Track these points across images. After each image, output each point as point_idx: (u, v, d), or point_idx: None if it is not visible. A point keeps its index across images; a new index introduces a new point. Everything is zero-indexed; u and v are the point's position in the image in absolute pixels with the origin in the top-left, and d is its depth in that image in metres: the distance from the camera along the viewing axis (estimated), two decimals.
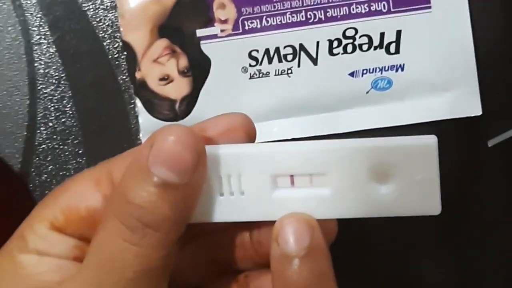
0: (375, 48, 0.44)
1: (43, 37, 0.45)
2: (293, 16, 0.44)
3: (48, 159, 0.45)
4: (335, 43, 0.44)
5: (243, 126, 0.30)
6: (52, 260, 0.30)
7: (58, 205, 0.30)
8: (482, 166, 0.45)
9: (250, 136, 0.31)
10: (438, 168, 0.28)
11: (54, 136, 0.45)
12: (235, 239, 0.33)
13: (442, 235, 0.46)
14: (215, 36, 0.44)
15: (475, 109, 0.44)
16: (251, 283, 0.32)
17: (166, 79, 0.44)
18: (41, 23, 0.45)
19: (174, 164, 0.26)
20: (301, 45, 0.44)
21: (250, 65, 0.44)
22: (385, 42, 0.44)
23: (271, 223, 0.30)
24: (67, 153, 0.45)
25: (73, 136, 0.45)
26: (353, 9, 0.44)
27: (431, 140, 0.28)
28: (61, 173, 0.45)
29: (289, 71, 0.44)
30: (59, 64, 0.45)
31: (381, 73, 0.44)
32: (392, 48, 0.44)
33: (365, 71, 0.44)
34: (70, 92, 0.45)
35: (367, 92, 0.44)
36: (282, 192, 0.29)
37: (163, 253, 0.27)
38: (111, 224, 0.27)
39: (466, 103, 0.44)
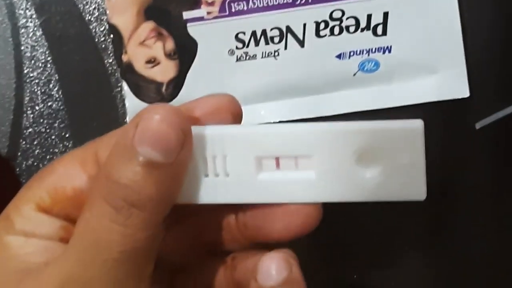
0: (362, 30, 0.43)
1: (29, 20, 0.45)
2: None
3: (35, 143, 0.45)
4: (322, 25, 0.43)
5: (230, 107, 0.30)
6: (39, 241, 0.30)
7: (44, 186, 0.30)
8: (470, 149, 0.44)
9: (236, 118, 0.30)
10: (424, 152, 0.28)
11: (41, 120, 0.45)
12: (221, 221, 0.32)
13: (428, 218, 0.45)
14: (201, 19, 0.44)
15: (462, 91, 0.44)
16: (238, 265, 0.32)
17: (152, 62, 0.44)
18: (28, 6, 0.45)
19: (160, 143, 0.26)
20: (288, 27, 0.44)
21: (237, 48, 0.44)
22: (372, 24, 0.43)
23: (257, 205, 0.30)
24: (53, 137, 0.45)
25: (59, 120, 0.45)
26: None
27: (417, 124, 0.28)
28: (48, 157, 0.45)
29: (276, 54, 0.44)
30: (45, 47, 0.45)
31: (368, 55, 0.44)
32: (379, 30, 0.43)
33: (352, 53, 0.44)
34: (56, 75, 0.45)
35: (354, 74, 0.44)
36: (267, 175, 0.29)
37: (148, 233, 0.27)
38: (96, 204, 0.27)
39: (454, 85, 0.44)
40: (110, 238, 0.26)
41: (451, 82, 0.44)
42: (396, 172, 0.28)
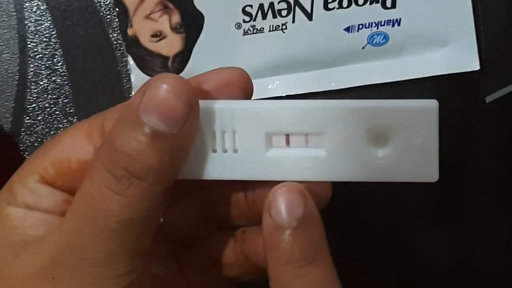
0: (371, 2, 0.43)
1: None
2: None
3: (39, 118, 0.45)
4: None
5: (240, 81, 0.30)
6: (40, 214, 0.29)
7: (49, 158, 0.30)
8: (480, 122, 0.44)
9: (247, 92, 0.30)
10: (438, 133, 0.27)
11: (45, 95, 0.45)
12: (230, 197, 0.32)
13: (439, 193, 0.45)
14: None
15: (472, 64, 0.43)
16: (248, 239, 0.32)
17: (158, 35, 0.44)
18: None
19: (165, 113, 0.26)
20: (295, 0, 0.43)
21: (244, 21, 0.43)
22: None
23: (266, 183, 0.29)
24: (58, 112, 0.45)
25: (64, 95, 0.45)
26: None
27: (432, 104, 0.27)
28: (52, 133, 0.45)
29: (284, 27, 0.43)
30: (49, 22, 0.44)
31: (377, 28, 0.43)
32: (389, 2, 0.43)
33: (361, 26, 0.43)
34: (61, 50, 0.45)
35: (363, 48, 0.43)
36: (277, 152, 0.28)
37: (147, 204, 0.26)
38: (96, 172, 0.26)
39: (464, 58, 0.43)
40: (108, 207, 0.26)
41: (461, 55, 0.43)
42: (409, 152, 0.27)
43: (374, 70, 0.44)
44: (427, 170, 0.28)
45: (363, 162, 0.28)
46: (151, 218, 0.27)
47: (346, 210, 0.41)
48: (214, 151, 0.28)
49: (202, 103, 0.27)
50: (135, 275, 0.27)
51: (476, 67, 0.43)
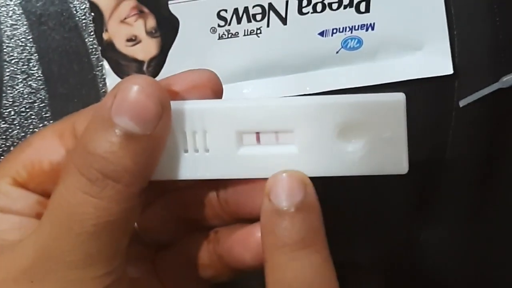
0: (345, 7, 0.43)
1: None
2: None
3: (15, 122, 0.44)
4: (305, 2, 0.43)
5: (210, 82, 0.30)
6: (14, 217, 0.29)
7: (21, 160, 0.30)
8: (453, 127, 0.44)
9: (216, 93, 0.30)
10: (406, 126, 0.27)
11: (21, 99, 0.44)
12: (202, 197, 0.32)
13: (411, 197, 0.45)
14: None
15: (446, 68, 0.43)
16: (221, 239, 0.32)
17: (133, 40, 0.44)
18: None
19: (138, 114, 0.26)
20: (270, 4, 0.43)
21: (219, 25, 0.43)
22: (355, 1, 0.43)
23: (237, 181, 0.30)
24: (33, 117, 0.45)
25: (40, 100, 0.45)
26: None
27: (399, 97, 0.27)
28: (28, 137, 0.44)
29: (258, 31, 0.44)
30: (25, 27, 0.44)
31: (351, 33, 0.43)
32: (362, 7, 0.43)
33: (335, 31, 0.43)
34: (36, 54, 0.44)
35: (337, 52, 0.44)
36: (248, 150, 0.29)
37: (123, 206, 0.26)
38: (71, 176, 0.26)
39: (437, 62, 0.43)
40: (84, 211, 0.26)
41: (434, 59, 0.43)
42: (378, 145, 0.28)
43: (348, 74, 0.44)
44: (396, 162, 0.28)
45: (334, 157, 0.28)
46: (127, 220, 0.27)
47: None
48: (186, 151, 0.29)
49: (172, 103, 0.27)
50: (114, 277, 0.27)
51: (450, 71, 0.43)
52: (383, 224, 0.45)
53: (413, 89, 0.43)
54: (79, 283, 0.26)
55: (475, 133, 0.44)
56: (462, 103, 0.43)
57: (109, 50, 0.44)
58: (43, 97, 0.45)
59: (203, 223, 0.33)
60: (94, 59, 0.45)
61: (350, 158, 0.28)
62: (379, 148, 0.28)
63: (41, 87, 0.45)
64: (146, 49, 0.44)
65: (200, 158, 0.29)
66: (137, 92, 0.26)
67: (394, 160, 0.28)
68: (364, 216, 0.45)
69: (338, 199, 0.44)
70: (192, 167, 0.29)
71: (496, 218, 0.45)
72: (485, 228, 0.45)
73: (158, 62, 0.44)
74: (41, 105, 0.45)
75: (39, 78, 0.45)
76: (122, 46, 0.44)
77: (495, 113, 0.44)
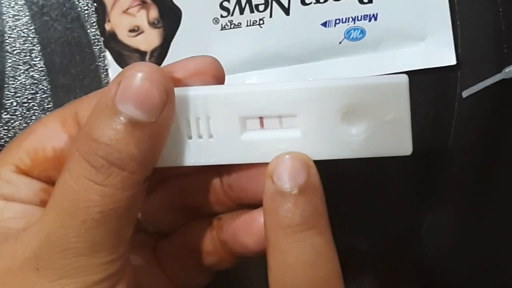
0: None
1: None
2: None
3: (17, 113, 0.44)
4: None
5: (212, 69, 0.30)
6: (18, 205, 0.29)
7: (24, 147, 0.30)
8: (456, 117, 0.44)
9: (218, 80, 0.30)
10: (409, 107, 0.27)
11: (23, 90, 0.44)
12: (205, 183, 0.32)
13: (414, 188, 0.45)
14: None
15: (449, 58, 0.43)
16: (224, 225, 0.32)
17: (136, 30, 0.44)
18: None
19: (142, 101, 0.26)
20: None
21: (222, 16, 0.43)
22: None
23: (241, 166, 0.30)
24: (36, 107, 0.44)
25: (42, 90, 0.44)
26: None
27: (402, 79, 0.27)
28: None
29: (261, 22, 0.43)
30: (27, 17, 0.44)
31: (354, 23, 0.43)
32: None
33: (337, 21, 0.43)
34: (39, 45, 0.44)
35: (340, 43, 0.43)
36: (252, 134, 0.29)
37: (128, 193, 0.26)
38: (75, 163, 0.26)
39: (440, 52, 0.43)
40: (89, 198, 0.26)
41: (437, 50, 0.43)
42: (382, 128, 0.28)
43: (351, 65, 0.43)
44: (401, 144, 0.28)
45: (338, 140, 0.28)
46: (132, 207, 0.27)
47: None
48: (190, 137, 0.29)
49: (175, 90, 0.27)
50: (119, 264, 0.27)
51: (453, 61, 0.43)
52: (386, 213, 0.45)
53: (416, 79, 0.43)
54: (84, 270, 0.26)
55: (478, 124, 0.44)
56: (465, 93, 0.43)
57: (111, 40, 0.44)
58: (45, 88, 0.45)
59: (206, 210, 0.33)
60: (97, 49, 0.45)
61: (354, 141, 0.28)
62: (383, 130, 0.28)
63: (43, 77, 0.45)
64: (149, 40, 0.44)
65: (204, 144, 0.29)
66: (142, 79, 0.26)
67: (398, 141, 0.28)
68: (367, 205, 0.45)
69: (340, 188, 0.43)
70: (196, 153, 0.29)
71: (499, 208, 0.44)
72: (488, 217, 0.45)
73: (160, 52, 0.44)
74: (43, 96, 0.44)
75: (41, 68, 0.45)
76: (124, 36, 0.44)
77: (498, 103, 0.44)
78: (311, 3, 0.43)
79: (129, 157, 0.26)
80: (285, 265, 0.27)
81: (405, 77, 0.27)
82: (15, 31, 0.44)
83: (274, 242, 0.28)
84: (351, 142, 0.28)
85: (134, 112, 0.26)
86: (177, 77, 0.29)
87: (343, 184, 0.43)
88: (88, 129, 0.26)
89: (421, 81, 0.43)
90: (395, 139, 0.28)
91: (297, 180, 0.27)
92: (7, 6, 0.44)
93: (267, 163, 0.28)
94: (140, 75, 0.26)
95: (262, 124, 0.29)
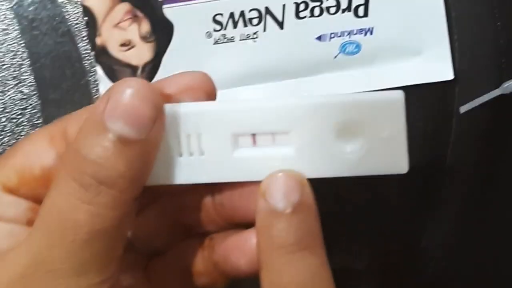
0: (343, 11, 0.42)
1: (0, 2, 0.44)
2: None
3: (6, 129, 0.44)
4: (302, 6, 0.42)
5: (203, 84, 0.29)
6: (4, 225, 0.28)
7: (11, 165, 0.29)
8: (454, 133, 0.43)
9: (210, 96, 0.30)
10: (405, 124, 0.27)
11: (12, 106, 0.44)
12: (197, 202, 0.32)
13: (411, 203, 0.44)
14: (178, 0, 0.43)
15: (446, 73, 0.43)
16: (216, 245, 0.31)
17: (127, 44, 0.43)
18: None
19: (132, 118, 0.25)
20: (266, 9, 0.43)
21: (215, 30, 0.43)
22: (353, 5, 0.42)
23: (233, 185, 0.29)
24: (25, 123, 0.44)
25: (31, 106, 0.44)
26: None
27: (398, 95, 0.27)
28: None
29: (255, 36, 0.43)
30: (17, 31, 0.44)
31: (350, 37, 0.43)
32: (361, 11, 0.42)
33: (333, 35, 0.43)
34: (28, 60, 0.44)
35: (335, 57, 0.43)
36: (244, 152, 0.28)
37: (118, 212, 0.26)
38: (63, 182, 0.26)
39: (437, 67, 0.43)
40: (77, 218, 0.25)
41: (434, 65, 0.43)
42: (377, 145, 0.27)
43: (346, 80, 0.43)
44: (396, 162, 0.27)
45: (332, 158, 0.27)
46: (122, 226, 0.27)
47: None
48: (180, 155, 0.28)
49: (166, 106, 0.27)
50: (108, 285, 0.27)
51: (450, 76, 0.43)
52: (383, 230, 0.44)
53: (413, 95, 0.42)
54: None
55: (476, 140, 0.43)
56: (462, 109, 0.43)
57: (102, 55, 0.43)
58: (35, 103, 0.44)
59: (198, 229, 0.32)
60: (87, 64, 0.44)
61: (348, 159, 0.27)
62: (378, 147, 0.27)
63: (33, 93, 0.44)
64: (140, 54, 0.43)
65: (195, 162, 0.28)
66: (131, 96, 0.25)
67: (394, 159, 0.27)
68: (364, 222, 0.44)
69: (336, 203, 0.43)
70: (187, 171, 0.28)
71: (497, 223, 0.44)
72: (486, 233, 0.44)
73: (152, 67, 0.43)
74: (32, 111, 0.44)
75: (30, 83, 0.44)
76: (115, 51, 0.43)
77: (496, 119, 0.43)
78: (305, 16, 0.42)
79: (118, 176, 0.25)
80: (279, 287, 0.27)
81: (400, 93, 0.27)
82: (4, 45, 0.44)
83: (267, 263, 0.27)
84: (345, 160, 0.28)
85: (124, 129, 0.25)
86: (167, 93, 0.29)
87: (338, 201, 0.43)
88: (76, 147, 0.26)
89: (418, 96, 0.43)
90: (391, 156, 0.27)
91: (291, 199, 0.27)
92: None
93: (260, 182, 0.28)
94: (129, 91, 0.25)
95: (254, 141, 0.28)
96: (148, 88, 0.26)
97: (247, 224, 0.30)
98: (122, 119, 0.25)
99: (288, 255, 0.26)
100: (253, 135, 0.28)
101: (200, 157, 0.28)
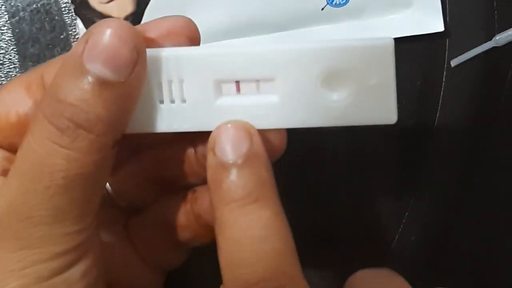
0: None
1: None
2: None
3: None
4: None
5: (186, 29, 0.29)
6: None
7: None
8: (445, 87, 0.42)
9: (193, 41, 0.29)
10: (395, 71, 0.26)
11: None
12: (179, 153, 0.31)
13: (401, 161, 0.43)
14: None
15: (437, 25, 0.41)
16: (199, 197, 0.31)
17: None
18: None
19: (111, 59, 0.25)
20: None
21: None
22: None
23: None
24: (3, 79, 0.43)
25: (9, 61, 0.43)
26: None
27: (387, 40, 0.27)
28: None
29: None
30: None
31: None
32: None
33: None
34: (6, 14, 0.43)
35: (322, 9, 0.42)
36: (227, 100, 0.28)
37: (96, 157, 0.25)
38: (39, 125, 0.25)
39: (427, 19, 0.41)
40: (53, 162, 0.25)
41: (424, 16, 0.41)
42: (365, 93, 0.27)
43: (334, 33, 0.42)
44: (385, 111, 0.27)
45: (318, 106, 0.27)
46: (99, 173, 0.26)
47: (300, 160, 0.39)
48: (161, 102, 0.28)
49: (147, 51, 0.26)
50: (85, 235, 0.26)
51: (441, 28, 0.41)
52: (369, 191, 0.44)
53: (402, 48, 0.41)
54: (47, 240, 0.25)
55: (467, 94, 0.42)
56: (453, 62, 0.42)
57: (83, 7, 0.42)
58: (13, 58, 0.43)
59: (179, 182, 0.32)
60: (67, 17, 0.43)
61: (335, 107, 0.27)
62: (366, 96, 0.27)
63: (11, 47, 0.43)
64: (122, 6, 0.42)
65: (177, 109, 0.28)
66: (110, 36, 0.25)
67: (382, 109, 0.27)
68: (351, 182, 0.43)
69: (318, 164, 0.42)
70: (168, 119, 0.28)
71: (488, 182, 0.43)
72: (477, 192, 0.43)
73: (134, 19, 0.42)
74: (11, 67, 0.43)
75: (8, 38, 0.43)
76: (96, 3, 0.42)
77: (488, 72, 0.42)
78: None
79: (97, 119, 0.25)
80: (232, 242, 0.26)
81: (390, 39, 0.27)
82: None
83: (220, 218, 0.27)
84: (332, 109, 0.27)
85: (102, 71, 0.25)
86: (149, 37, 0.28)
87: (320, 160, 0.42)
88: (53, 90, 0.25)
89: (407, 49, 0.42)
90: (379, 105, 0.27)
91: (239, 151, 0.26)
92: None
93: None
94: (109, 31, 0.25)
95: (238, 89, 0.28)
96: (128, 29, 0.25)
97: None
98: (101, 60, 0.25)
99: (238, 209, 0.26)
100: (237, 82, 0.27)
101: (182, 104, 0.28)
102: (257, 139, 0.27)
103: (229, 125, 0.27)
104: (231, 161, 0.26)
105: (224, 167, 0.26)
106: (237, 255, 0.26)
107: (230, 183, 0.26)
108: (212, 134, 0.27)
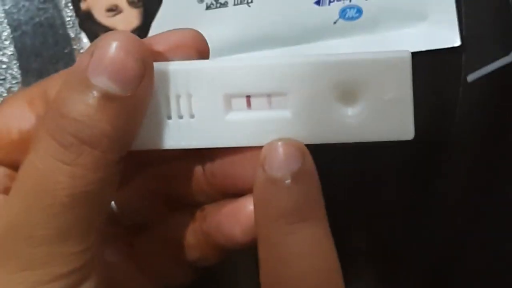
0: None
1: None
2: None
3: None
4: None
5: (195, 42, 0.28)
6: None
7: None
8: (461, 102, 0.42)
9: (202, 54, 0.28)
10: (412, 85, 0.26)
11: None
12: (186, 170, 0.30)
13: (416, 175, 0.43)
14: None
15: (452, 40, 0.41)
16: (208, 215, 0.30)
17: (114, 10, 0.42)
18: None
19: (117, 73, 0.24)
20: None
21: None
22: None
23: (225, 151, 0.28)
24: (5, 94, 0.42)
25: (11, 76, 0.42)
26: None
27: (404, 53, 0.26)
28: None
29: (249, 0, 0.41)
30: None
31: (350, 1, 0.41)
32: None
33: None
34: (8, 27, 0.42)
35: (334, 23, 0.41)
36: (237, 115, 0.27)
37: (100, 174, 0.25)
38: (42, 142, 0.25)
39: (444, 33, 0.41)
40: (56, 180, 0.24)
41: (440, 30, 0.41)
42: (381, 108, 0.26)
43: (347, 47, 0.41)
44: (401, 127, 0.26)
45: (332, 122, 0.26)
46: (104, 191, 0.25)
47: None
48: (169, 117, 0.27)
49: (154, 65, 0.26)
50: (89, 255, 0.26)
51: (457, 43, 0.41)
52: (383, 206, 0.43)
53: (418, 62, 0.40)
54: (50, 260, 0.25)
55: (484, 111, 0.42)
56: (470, 78, 0.41)
57: (87, 21, 0.42)
58: (15, 73, 0.42)
59: (187, 200, 0.31)
60: (71, 31, 0.42)
61: (349, 123, 0.26)
62: (382, 111, 0.26)
63: (13, 62, 0.42)
64: (128, 20, 0.42)
65: (185, 125, 0.27)
66: (117, 49, 0.24)
67: (399, 124, 0.26)
68: (363, 197, 0.43)
69: (332, 181, 0.41)
70: (176, 135, 0.27)
71: (504, 196, 0.43)
72: (493, 208, 0.43)
73: (140, 34, 0.41)
74: (13, 82, 0.42)
75: (11, 52, 0.42)
76: (101, 16, 0.42)
77: (506, 88, 0.42)
78: None
79: (102, 134, 0.24)
80: (278, 260, 0.26)
81: (407, 52, 0.26)
82: None
83: (266, 235, 0.26)
84: (346, 124, 0.26)
85: (108, 85, 0.24)
86: (157, 50, 0.27)
87: (330, 174, 0.41)
88: (57, 105, 0.25)
89: (423, 64, 0.41)
90: (396, 121, 0.26)
91: (291, 167, 0.26)
92: None
93: (254, 147, 0.27)
94: (115, 44, 0.24)
95: (249, 104, 0.27)
96: (135, 41, 0.25)
97: (240, 194, 0.29)
98: (107, 73, 0.24)
99: (287, 226, 0.25)
100: (248, 97, 0.27)
101: (190, 120, 0.27)
102: (309, 157, 0.26)
103: (280, 142, 0.26)
104: (281, 177, 0.26)
105: (274, 182, 0.26)
106: (282, 272, 0.25)
107: (280, 199, 0.26)
108: (262, 150, 0.26)
